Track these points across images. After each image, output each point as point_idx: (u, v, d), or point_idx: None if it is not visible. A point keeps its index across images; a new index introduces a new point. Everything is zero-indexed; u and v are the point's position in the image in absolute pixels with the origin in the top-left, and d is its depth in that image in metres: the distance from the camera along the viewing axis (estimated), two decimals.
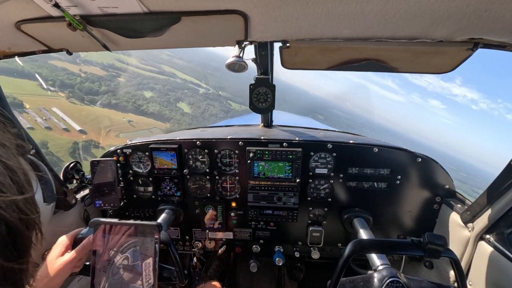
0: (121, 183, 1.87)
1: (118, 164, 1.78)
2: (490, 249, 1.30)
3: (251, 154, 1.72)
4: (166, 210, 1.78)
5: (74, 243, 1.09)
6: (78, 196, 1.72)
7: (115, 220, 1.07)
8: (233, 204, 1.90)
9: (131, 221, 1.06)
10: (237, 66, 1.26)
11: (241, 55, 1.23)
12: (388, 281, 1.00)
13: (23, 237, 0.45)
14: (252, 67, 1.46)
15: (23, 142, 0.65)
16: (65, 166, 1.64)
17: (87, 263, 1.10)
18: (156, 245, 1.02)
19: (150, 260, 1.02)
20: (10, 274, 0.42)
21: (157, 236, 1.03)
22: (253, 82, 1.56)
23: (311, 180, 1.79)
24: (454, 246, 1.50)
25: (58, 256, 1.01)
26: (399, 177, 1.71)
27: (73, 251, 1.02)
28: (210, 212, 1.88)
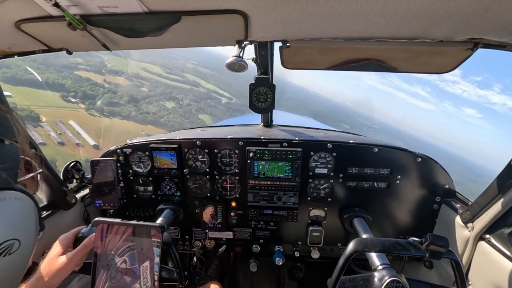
0: (121, 182, 1.87)
1: (118, 164, 1.78)
2: (490, 249, 1.30)
3: (251, 154, 1.72)
4: (166, 210, 1.78)
5: (75, 242, 1.09)
6: (78, 195, 1.72)
7: (118, 220, 1.07)
8: (233, 204, 1.90)
9: (134, 222, 1.06)
10: (237, 66, 1.26)
11: (241, 55, 1.23)
12: (388, 280, 1.00)
13: None
14: (253, 66, 1.46)
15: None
16: (65, 165, 1.64)
17: (88, 261, 1.10)
18: (158, 247, 1.02)
19: (147, 263, 1.02)
20: None
21: (159, 239, 1.02)
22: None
23: (311, 180, 1.79)
24: (454, 246, 1.50)
25: (59, 255, 1.01)
26: (399, 177, 1.71)
27: (74, 250, 1.02)
28: (208, 209, 1.87)
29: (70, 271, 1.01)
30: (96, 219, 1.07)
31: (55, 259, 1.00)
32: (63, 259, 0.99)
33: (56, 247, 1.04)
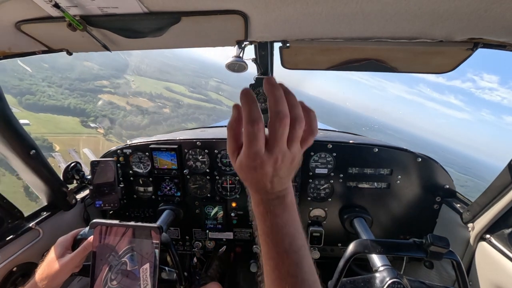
0: (121, 183, 1.87)
1: (118, 164, 1.78)
2: (490, 249, 1.30)
3: None
4: (166, 211, 1.77)
5: (74, 244, 1.09)
6: (78, 196, 1.72)
7: (116, 222, 1.06)
8: (233, 204, 1.90)
9: (132, 223, 1.06)
10: (237, 66, 1.26)
11: (241, 55, 1.23)
12: (389, 282, 1.00)
13: None
14: (253, 66, 1.46)
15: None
16: (65, 166, 1.64)
17: (87, 263, 1.10)
18: (156, 249, 1.02)
19: (147, 266, 1.01)
20: None
21: (157, 241, 1.02)
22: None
23: (311, 180, 1.79)
24: (454, 246, 1.50)
25: (58, 257, 1.00)
26: (399, 177, 1.71)
27: (73, 253, 1.02)
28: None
29: (69, 274, 1.00)
30: (94, 220, 1.06)
31: (54, 261, 0.99)
32: (62, 261, 0.99)
33: (55, 250, 1.03)
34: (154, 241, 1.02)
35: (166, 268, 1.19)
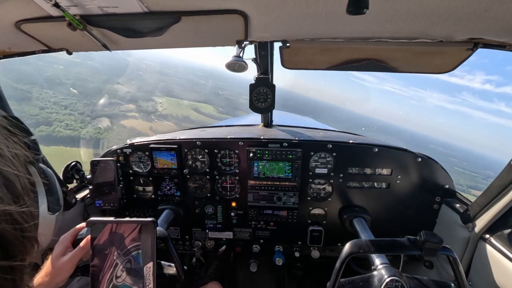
0: (121, 183, 1.87)
1: (118, 164, 1.78)
2: (490, 249, 1.30)
3: (251, 154, 1.72)
4: (166, 210, 1.78)
5: (74, 243, 1.09)
6: (78, 196, 1.72)
7: (111, 218, 1.07)
8: (233, 204, 1.90)
9: (127, 219, 1.06)
10: (237, 66, 1.26)
11: (241, 55, 1.23)
12: (387, 280, 1.00)
13: (15, 246, 0.44)
14: (253, 66, 1.45)
15: (36, 150, 0.65)
16: (65, 166, 1.64)
17: (88, 263, 1.10)
18: (153, 242, 1.02)
19: (150, 264, 1.02)
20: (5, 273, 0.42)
21: (153, 234, 1.02)
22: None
23: (311, 180, 1.79)
24: (454, 246, 1.50)
25: (60, 256, 1.02)
26: (399, 177, 1.71)
27: (73, 251, 1.03)
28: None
29: (71, 272, 1.01)
30: (90, 219, 1.06)
31: (56, 259, 1.01)
32: (63, 260, 1.00)
33: (57, 248, 1.05)
34: (149, 235, 1.03)
35: (164, 262, 1.19)
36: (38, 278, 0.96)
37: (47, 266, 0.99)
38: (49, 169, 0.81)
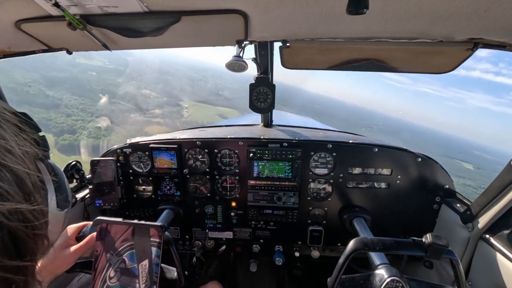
0: (121, 182, 1.87)
1: (118, 164, 1.78)
2: (490, 249, 1.30)
3: (251, 154, 1.72)
4: (166, 210, 1.78)
5: (77, 239, 1.10)
6: (78, 195, 1.72)
7: (119, 220, 1.07)
8: (233, 204, 1.90)
9: (135, 221, 1.07)
10: (237, 66, 1.26)
11: (241, 54, 1.23)
12: (387, 280, 1.00)
13: (27, 244, 0.44)
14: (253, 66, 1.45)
15: (45, 147, 0.65)
16: (65, 165, 1.64)
17: (88, 259, 1.10)
18: (159, 247, 1.02)
19: (146, 262, 1.02)
20: (15, 272, 0.42)
21: (159, 239, 1.03)
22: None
23: (311, 180, 1.79)
24: (454, 246, 1.50)
25: (62, 247, 1.03)
26: (399, 177, 1.71)
27: (77, 245, 1.04)
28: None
29: (70, 265, 1.02)
30: (98, 218, 1.07)
31: (58, 251, 1.02)
32: (65, 252, 1.01)
33: (60, 239, 1.06)
34: (155, 240, 1.03)
35: (167, 266, 1.20)
36: (38, 266, 0.97)
37: (47, 256, 1.00)
38: (57, 166, 0.82)
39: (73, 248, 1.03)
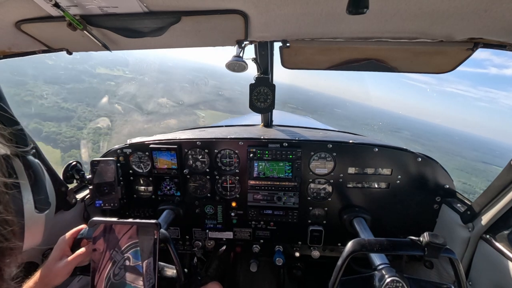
0: (121, 183, 1.87)
1: (118, 164, 1.78)
2: (490, 249, 1.30)
3: (251, 154, 1.72)
4: (166, 210, 1.78)
5: (74, 244, 1.09)
6: (78, 196, 1.72)
7: (114, 219, 1.07)
8: (233, 204, 1.90)
9: (130, 220, 1.07)
10: (237, 66, 1.26)
11: (241, 54, 1.23)
12: (388, 280, 1.00)
13: None
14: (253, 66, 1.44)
15: (24, 142, 0.62)
16: (66, 165, 1.64)
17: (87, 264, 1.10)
18: (155, 244, 1.02)
19: (151, 260, 1.02)
20: None
21: (155, 236, 1.03)
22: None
23: (311, 180, 1.79)
24: (454, 246, 1.50)
25: (57, 260, 1.00)
26: (399, 177, 1.71)
27: (70, 257, 1.01)
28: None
29: (68, 275, 1.00)
30: (93, 219, 1.06)
31: (53, 263, 0.99)
32: (59, 264, 0.98)
33: (55, 251, 1.03)
34: (152, 236, 1.03)
35: (165, 264, 1.19)
36: (34, 279, 0.95)
37: (43, 269, 0.97)
38: (37, 164, 0.74)
39: (69, 258, 1.00)
